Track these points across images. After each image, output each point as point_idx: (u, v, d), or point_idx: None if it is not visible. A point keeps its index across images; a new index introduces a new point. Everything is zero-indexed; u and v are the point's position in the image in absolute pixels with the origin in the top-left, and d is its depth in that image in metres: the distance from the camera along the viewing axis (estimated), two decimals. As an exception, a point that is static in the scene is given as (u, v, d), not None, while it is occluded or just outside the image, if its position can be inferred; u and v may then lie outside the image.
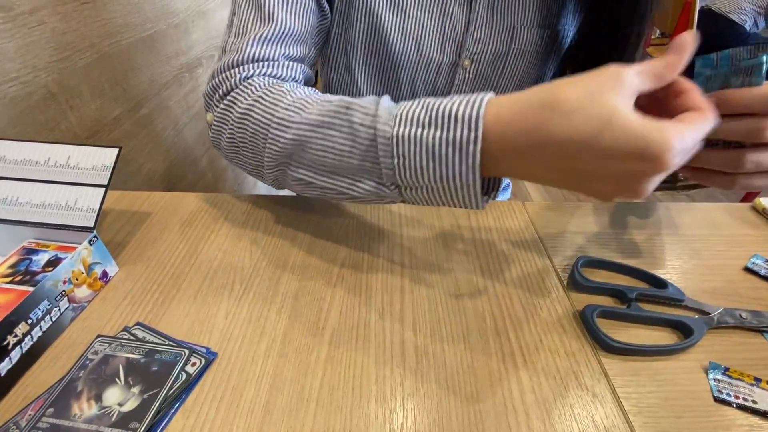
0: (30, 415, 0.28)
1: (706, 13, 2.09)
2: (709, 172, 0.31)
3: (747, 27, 2.04)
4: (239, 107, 0.36)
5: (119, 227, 0.45)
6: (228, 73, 0.39)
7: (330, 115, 0.32)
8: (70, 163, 0.39)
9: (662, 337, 0.34)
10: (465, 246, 0.43)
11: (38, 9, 0.53)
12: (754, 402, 0.29)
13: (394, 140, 0.29)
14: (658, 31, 2.32)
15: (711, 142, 0.29)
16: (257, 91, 0.36)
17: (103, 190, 0.38)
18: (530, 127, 0.25)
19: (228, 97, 0.38)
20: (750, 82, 0.28)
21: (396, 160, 0.29)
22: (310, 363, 0.31)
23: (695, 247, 0.43)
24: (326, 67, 0.55)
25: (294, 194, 0.54)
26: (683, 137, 0.22)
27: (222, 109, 0.38)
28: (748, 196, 1.89)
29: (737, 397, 0.29)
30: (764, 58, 0.27)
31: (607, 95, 0.23)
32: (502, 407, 0.29)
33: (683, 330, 0.34)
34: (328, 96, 0.34)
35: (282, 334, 0.33)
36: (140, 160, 0.76)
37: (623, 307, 0.35)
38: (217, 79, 0.40)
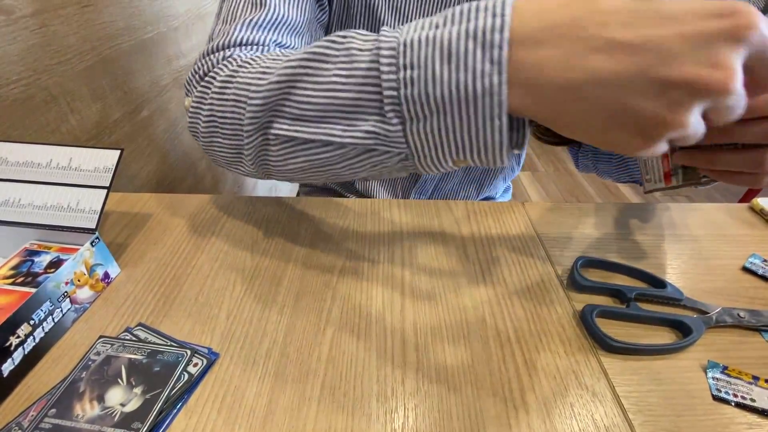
0: (32, 415, 0.28)
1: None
2: (733, 173, 0.30)
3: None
4: (219, 79, 0.32)
5: (120, 229, 0.45)
6: (211, 56, 0.35)
7: (323, 47, 0.27)
8: (72, 165, 0.39)
9: (661, 336, 0.34)
10: (465, 246, 0.43)
11: (40, 12, 0.53)
12: (752, 400, 0.29)
13: (402, 48, 0.23)
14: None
15: (731, 145, 0.29)
16: (241, 60, 0.33)
17: (105, 191, 0.38)
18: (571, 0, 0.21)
19: (208, 76, 0.34)
20: None
21: (403, 73, 0.23)
22: (312, 363, 0.32)
23: (693, 247, 0.43)
24: None
25: (294, 196, 0.54)
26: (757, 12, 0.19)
27: (201, 88, 0.34)
28: (746, 197, 1.90)
29: (736, 396, 0.29)
30: None
31: None
32: (502, 406, 0.29)
33: (682, 329, 0.34)
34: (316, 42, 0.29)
35: (283, 334, 0.34)
36: (140, 162, 0.76)
37: (622, 307, 0.35)
38: (198, 64, 0.36)
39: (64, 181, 0.39)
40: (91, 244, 0.36)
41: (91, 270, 0.36)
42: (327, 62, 0.26)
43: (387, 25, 0.46)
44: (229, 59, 0.34)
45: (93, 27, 0.62)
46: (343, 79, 0.26)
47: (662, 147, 0.22)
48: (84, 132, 0.62)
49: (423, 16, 0.45)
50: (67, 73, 0.58)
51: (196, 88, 0.35)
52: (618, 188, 2.00)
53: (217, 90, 0.32)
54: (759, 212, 0.48)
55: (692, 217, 0.48)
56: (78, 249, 0.36)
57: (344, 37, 0.27)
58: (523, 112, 0.23)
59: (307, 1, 0.40)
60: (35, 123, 0.54)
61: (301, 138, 0.28)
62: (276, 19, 0.37)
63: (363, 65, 0.25)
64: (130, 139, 0.73)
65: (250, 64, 0.32)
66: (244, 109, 0.30)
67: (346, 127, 0.26)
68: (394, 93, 0.24)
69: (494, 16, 0.21)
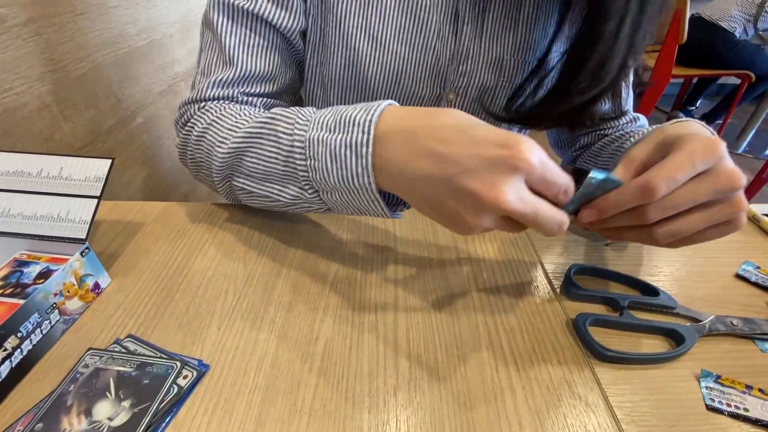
0: (19, 430, 0.27)
1: (697, 21, 2.12)
2: (626, 229, 0.32)
3: (737, 34, 2.07)
4: (195, 132, 0.41)
5: (112, 238, 0.44)
6: (187, 107, 0.44)
7: (260, 126, 0.35)
8: (62, 175, 0.39)
9: (655, 345, 0.34)
10: (458, 255, 0.43)
11: (33, 20, 0.53)
12: (745, 410, 0.29)
13: (308, 143, 0.32)
14: (649, 39, 2.35)
15: None
16: (212, 116, 0.40)
17: (95, 201, 0.38)
18: (420, 114, 0.29)
19: (188, 124, 0.43)
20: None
21: (309, 162, 0.32)
22: (303, 374, 0.31)
23: (687, 255, 0.43)
24: (306, 98, 0.53)
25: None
26: (538, 149, 0.25)
27: (183, 135, 0.43)
28: (742, 201, 1.90)
29: (729, 405, 0.29)
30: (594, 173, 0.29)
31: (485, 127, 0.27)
32: (495, 417, 0.29)
33: (675, 338, 0.34)
34: (266, 112, 0.37)
35: (275, 345, 0.33)
36: (134, 169, 0.76)
37: (616, 315, 0.35)
38: (181, 111, 0.45)
39: (54, 190, 0.38)
40: (81, 254, 0.36)
41: (80, 280, 0.36)
42: (263, 139, 0.35)
43: (364, 56, 0.45)
44: (204, 110, 0.42)
45: (87, 35, 0.62)
46: (275, 155, 0.34)
47: (482, 230, 0.28)
48: (77, 139, 0.61)
49: (398, 41, 0.44)
50: (61, 80, 0.58)
51: (180, 132, 0.44)
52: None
53: (194, 141, 0.41)
54: (752, 219, 0.48)
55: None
56: (68, 259, 0.35)
57: (273, 119, 0.35)
58: (389, 191, 0.31)
59: (277, 49, 0.44)
60: (28, 131, 0.54)
61: (251, 190, 0.38)
62: (243, 75, 0.43)
63: (286, 148, 0.33)
64: (123, 146, 0.73)
65: (217, 122, 0.39)
66: (213, 162, 0.39)
67: (281, 188, 0.35)
68: (306, 174, 0.33)
69: (363, 132, 0.29)
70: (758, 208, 0.48)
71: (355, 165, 0.30)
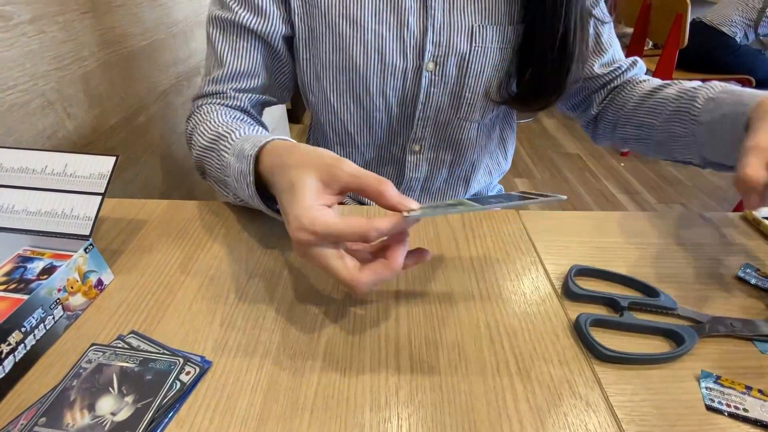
0: (22, 424, 0.28)
1: (698, 26, 2.13)
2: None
3: (737, 39, 2.08)
4: (188, 130, 0.52)
5: (115, 235, 0.45)
6: (194, 103, 0.55)
7: (211, 141, 0.45)
8: (67, 171, 0.39)
9: (655, 345, 0.34)
10: (460, 254, 0.43)
11: (38, 18, 0.53)
12: (745, 410, 0.29)
13: (226, 167, 0.41)
14: (650, 43, 2.36)
15: None
16: (199, 117, 0.50)
17: (99, 198, 0.38)
18: (275, 169, 0.34)
19: (189, 120, 0.53)
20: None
21: (229, 180, 0.41)
22: (305, 372, 0.31)
23: (687, 256, 0.44)
24: (305, 90, 0.58)
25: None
26: (308, 228, 0.29)
27: (186, 129, 0.53)
28: (740, 206, 1.91)
29: (729, 406, 0.30)
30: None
31: (309, 170, 0.31)
32: (496, 416, 0.29)
33: (675, 339, 0.34)
34: (225, 124, 0.46)
35: (277, 343, 0.33)
36: (137, 168, 0.76)
37: (616, 316, 0.35)
38: (190, 107, 0.55)
39: (58, 187, 0.39)
40: (85, 250, 0.36)
41: (84, 277, 0.36)
42: (213, 152, 0.44)
43: (348, 39, 0.50)
44: (198, 109, 0.52)
45: (92, 33, 0.62)
46: (218, 167, 0.43)
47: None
48: (81, 137, 0.62)
49: (376, 21, 0.49)
50: (65, 78, 0.58)
51: (186, 127, 0.54)
52: (614, 196, 2.01)
53: (188, 137, 0.52)
54: (752, 222, 0.48)
55: (686, 227, 0.48)
56: (71, 255, 0.35)
57: (219, 137, 0.44)
58: None
59: (257, 51, 0.52)
60: (32, 128, 0.54)
61: (218, 189, 0.47)
62: (230, 73, 0.52)
63: (222, 164, 0.42)
64: (126, 144, 0.73)
65: (198, 125, 0.49)
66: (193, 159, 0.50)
67: (226, 192, 0.45)
68: (233, 188, 0.41)
69: (247, 164, 0.36)
70: (759, 212, 0.48)
71: (246, 189, 0.37)
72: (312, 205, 0.29)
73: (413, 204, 0.30)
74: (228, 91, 0.52)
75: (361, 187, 0.30)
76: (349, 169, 0.30)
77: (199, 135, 0.47)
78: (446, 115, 0.55)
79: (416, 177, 0.62)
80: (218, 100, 0.53)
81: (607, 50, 0.56)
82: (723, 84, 0.45)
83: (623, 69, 0.56)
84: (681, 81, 0.51)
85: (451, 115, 0.55)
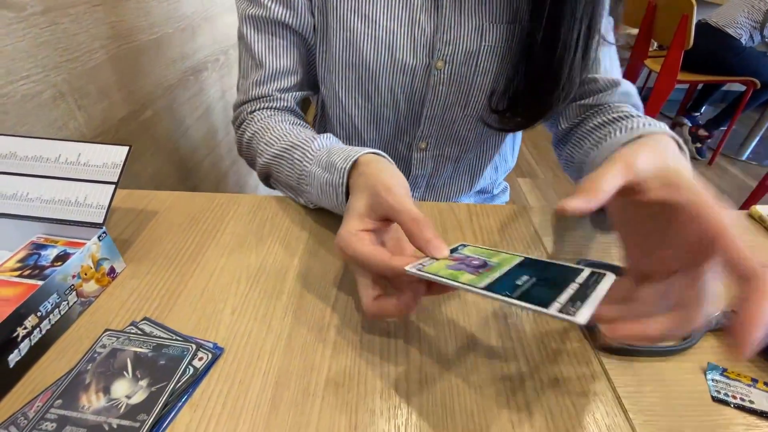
0: (38, 406, 0.28)
1: (703, 27, 2.13)
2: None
3: (743, 41, 2.07)
4: (246, 137, 0.53)
5: (126, 225, 0.45)
6: (240, 109, 0.55)
7: (283, 150, 0.46)
8: (80, 161, 0.40)
9: (661, 338, 0.34)
10: (467, 248, 0.43)
11: (50, 9, 0.54)
12: (751, 402, 0.30)
13: (307, 175, 0.43)
14: (655, 44, 2.35)
15: None
16: (256, 126, 0.52)
17: (113, 187, 0.38)
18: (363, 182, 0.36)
19: (241, 127, 0.55)
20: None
21: (308, 187, 0.43)
22: (316, 359, 0.32)
23: (693, 252, 0.44)
24: (319, 83, 0.58)
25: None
26: (343, 249, 0.31)
27: (238, 135, 0.55)
28: (746, 204, 1.91)
29: (735, 398, 0.30)
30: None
31: (362, 194, 0.34)
32: (504, 404, 0.29)
33: (682, 332, 0.34)
34: (293, 134, 0.47)
35: (288, 331, 0.34)
36: (143, 161, 0.77)
37: (623, 309, 0.36)
38: (235, 112, 0.57)
39: (72, 176, 0.39)
40: (99, 238, 0.37)
41: (97, 264, 0.36)
42: (285, 161, 0.46)
43: (359, 35, 0.50)
44: (252, 116, 0.53)
45: (102, 26, 0.63)
46: (290, 175, 0.46)
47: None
48: (90, 129, 0.62)
49: (388, 18, 0.49)
50: (76, 70, 0.58)
51: (237, 132, 0.56)
52: (617, 196, 2.01)
53: (246, 144, 0.53)
54: (758, 219, 0.49)
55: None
56: (84, 243, 0.36)
57: (293, 147, 0.46)
58: None
59: (295, 46, 0.53)
60: (43, 119, 0.54)
61: (281, 190, 0.51)
62: (272, 74, 0.53)
63: (297, 173, 0.45)
64: (134, 137, 0.73)
65: (259, 133, 0.51)
66: (256, 165, 0.52)
67: (295, 195, 0.49)
68: (309, 196, 0.45)
69: (341, 176, 0.38)
70: (764, 209, 0.49)
71: (335, 199, 0.40)
72: (351, 231, 0.32)
73: (443, 251, 0.29)
74: (273, 93, 0.53)
75: (398, 221, 0.31)
76: (393, 200, 0.31)
77: (266, 144, 0.49)
78: (454, 113, 0.55)
79: (422, 174, 0.62)
80: (265, 104, 0.53)
81: (595, 65, 0.50)
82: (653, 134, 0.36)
83: (599, 88, 0.50)
84: (646, 118, 0.42)
85: (458, 113, 0.55)
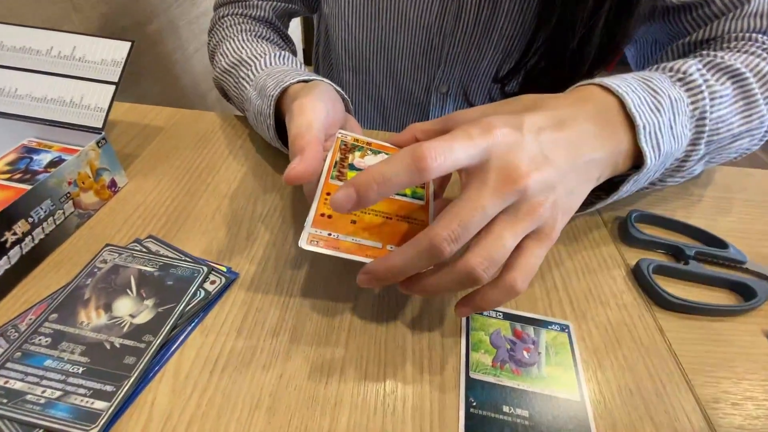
0: (31, 319, 0.25)
1: None
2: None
3: None
4: (211, 45, 0.48)
5: (129, 139, 0.41)
6: (215, 12, 0.50)
7: (232, 66, 0.41)
8: (75, 55, 0.34)
9: (720, 297, 0.31)
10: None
11: None
12: (822, 370, 0.27)
13: (245, 99, 0.38)
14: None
15: None
16: (221, 33, 0.46)
17: (113, 87, 0.34)
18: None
19: (210, 33, 0.49)
20: None
21: (248, 114, 0.39)
22: (341, 291, 0.29)
23: (752, 212, 0.40)
24: (316, 55, 0.55)
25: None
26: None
27: (208, 42, 0.50)
28: None
29: (803, 364, 0.27)
30: None
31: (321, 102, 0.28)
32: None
33: (745, 292, 0.31)
34: (249, 48, 0.42)
35: (310, 260, 0.30)
36: (149, 81, 0.71)
37: (680, 264, 0.32)
38: (212, 16, 0.51)
39: (66, 72, 0.34)
40: (98, 144, 0.32)
41: (96, 173, 0.32)
42: (232, 77, 0.41)
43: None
44: (221, 21, 0.48)
45: None
46: (236, 93, 0.41)
47: None
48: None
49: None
50: (70, -37, 0.51)
51: (209, 35, 0.50)
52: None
53: (210, 53, 0.48)
54: (822, 183, 0.44)
55: (749, 182, 0.44)
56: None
57: (241, 62, 0.41)
58: None
59: None
60: (37, 15, 0.48)
61: (238, 107, 0.44)
62: None
63: (242, 93, 0.40)
64: (137, 53, 0.67)
65: (222, 42, 0.45)
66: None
67: (244, 110, 0.42)
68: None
69: (268, 105, 0.33)
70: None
71: (267, 130, 0.35)
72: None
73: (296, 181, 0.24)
74: None
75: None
76: (294, 125, 0.26)
77: (221, 55, 0.43)
78: (475, 54, 0.47)
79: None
80: (240, 10, 0.48)
81: None
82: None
83: (713, 12, 0.36)
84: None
85: (487, 50, 0.47)
